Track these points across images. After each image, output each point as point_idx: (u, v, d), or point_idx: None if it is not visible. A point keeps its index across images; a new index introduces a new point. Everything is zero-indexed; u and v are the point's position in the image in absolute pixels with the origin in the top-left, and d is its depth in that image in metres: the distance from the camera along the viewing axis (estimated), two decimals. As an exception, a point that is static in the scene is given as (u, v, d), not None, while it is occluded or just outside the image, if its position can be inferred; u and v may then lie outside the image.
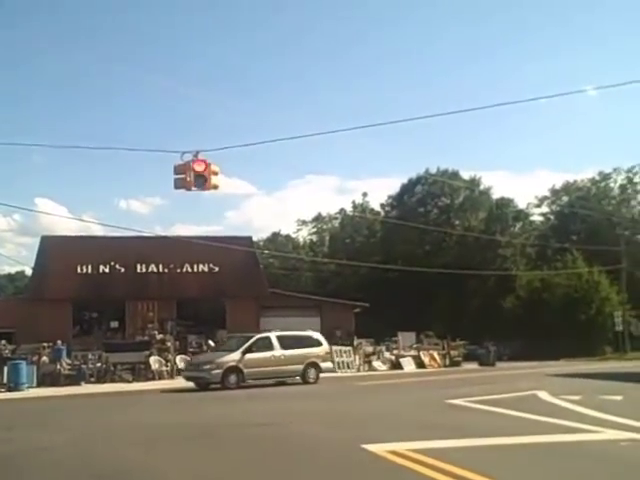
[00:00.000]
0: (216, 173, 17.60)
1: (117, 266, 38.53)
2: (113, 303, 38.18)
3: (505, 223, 68.61)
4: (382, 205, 78.30)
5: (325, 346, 27.94)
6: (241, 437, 12.05)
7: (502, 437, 11.08)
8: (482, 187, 72.93)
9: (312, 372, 26.27)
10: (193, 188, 17.39)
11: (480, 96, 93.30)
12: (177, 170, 17.28)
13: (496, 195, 72.11)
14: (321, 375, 26.91)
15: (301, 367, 25.97)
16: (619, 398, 17.52)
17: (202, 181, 17.31)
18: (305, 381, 25.92)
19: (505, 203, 70.36)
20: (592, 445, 10.45)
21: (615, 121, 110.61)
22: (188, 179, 17.15)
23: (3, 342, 30.99)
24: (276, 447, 10.86)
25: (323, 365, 27.05)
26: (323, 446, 10.78)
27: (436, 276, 54.31)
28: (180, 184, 17.33)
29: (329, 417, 14.88)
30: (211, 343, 35.38)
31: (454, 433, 11.58)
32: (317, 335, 28.17)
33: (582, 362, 43.45)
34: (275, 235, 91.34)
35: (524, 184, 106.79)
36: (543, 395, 18.47)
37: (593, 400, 16.68)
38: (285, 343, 25.98)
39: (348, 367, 34.15)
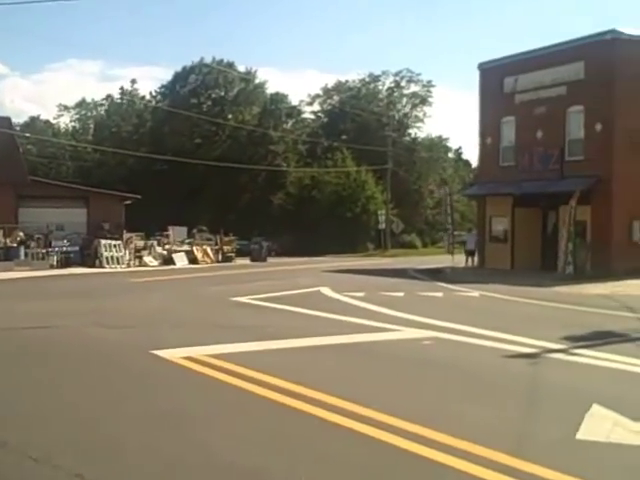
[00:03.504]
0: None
1: None
2: None
3: (278, 119, 68.20)
4: (152, 94, 74.60)
5: None
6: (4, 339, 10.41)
7: (301, 338, 10.42)
8: (257, 81, 71.93)
9: None
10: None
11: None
12: None
13: (270, 90, 71.64)
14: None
15: None
16: (401, 294, 17.81)
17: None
18: None
19: (279, 99, 69.88)
20: (394, 344, 10.19)
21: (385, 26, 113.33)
22: None
23: None
24: (52, 354, 9.39)
25: None
26: (108, 352, 9.50)
27: (207, 170, 53.20)
28: None
29: (105, 317, 13.35)
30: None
31: (249, 335, 10.72)
32: None
33: (348, 258, 45.04)
34: (33, 120, 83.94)
35: (295, 83, 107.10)
36: (327, 291, 18.36)
37: (377, 297, 16.78)
38: None
39: (118, 262, 32.26)
